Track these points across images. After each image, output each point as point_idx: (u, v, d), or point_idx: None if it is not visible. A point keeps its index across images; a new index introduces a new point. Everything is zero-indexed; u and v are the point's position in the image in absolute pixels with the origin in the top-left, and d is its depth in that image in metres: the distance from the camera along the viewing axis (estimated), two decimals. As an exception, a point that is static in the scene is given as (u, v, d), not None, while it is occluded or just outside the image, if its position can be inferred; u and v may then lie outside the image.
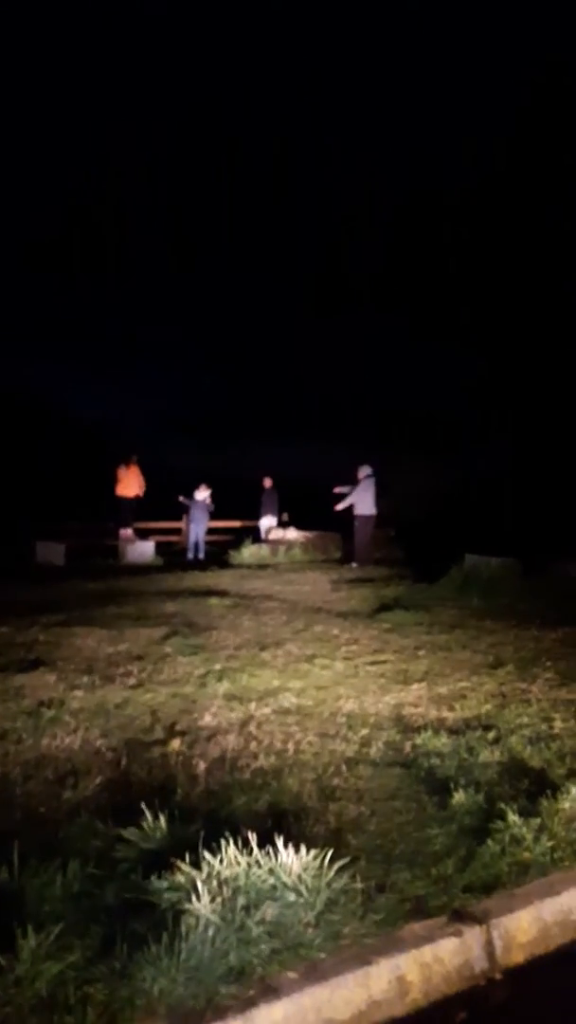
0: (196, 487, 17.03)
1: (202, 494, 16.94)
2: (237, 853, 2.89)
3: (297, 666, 6.39)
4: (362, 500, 14.64)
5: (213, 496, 17.08)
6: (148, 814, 3.33)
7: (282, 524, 18.00)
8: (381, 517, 19.22)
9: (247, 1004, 2.34)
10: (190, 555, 16.81)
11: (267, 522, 17.91)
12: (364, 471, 14.86)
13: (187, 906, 2.66)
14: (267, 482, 18.15)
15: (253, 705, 5.27)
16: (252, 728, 4.82)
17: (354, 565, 14.47)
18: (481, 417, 20.68)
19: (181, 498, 17.06)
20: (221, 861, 2.86)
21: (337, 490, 14.84)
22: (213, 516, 17.43)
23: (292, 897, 2.74)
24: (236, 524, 18.92)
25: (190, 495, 16.97)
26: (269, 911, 2.68)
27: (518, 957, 2.84)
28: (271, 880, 2.80)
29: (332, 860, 2.90)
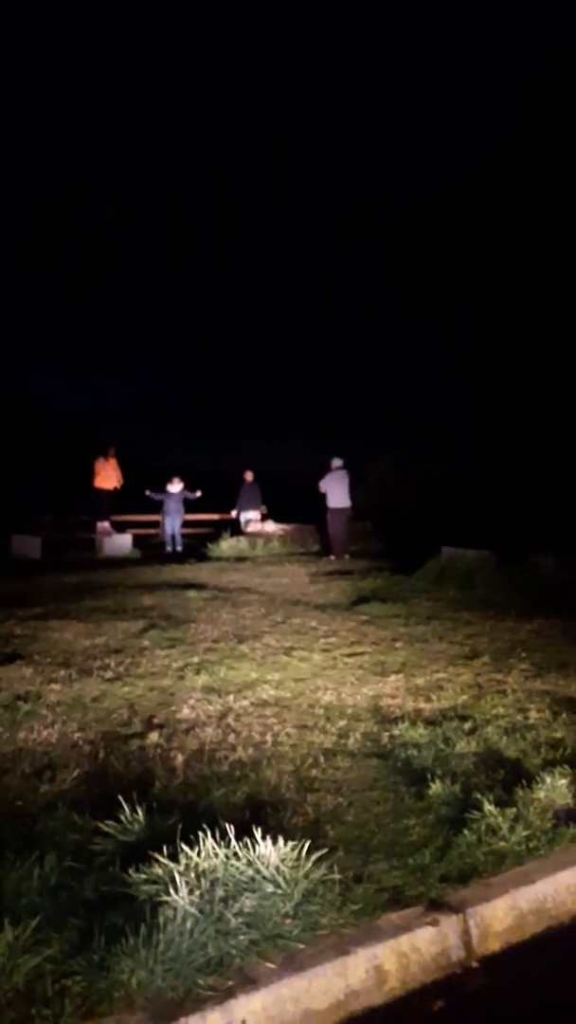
0: (168, 480, 16.94)
1: (175, 487, 16.87)
2: (215, 845, 2.89)
3: (275, 658, 6.40)
4: (334, 492, 14.65)
5: (189, 488, 17.01)
6: (126, 807, 3.32)
7: (262, 517, 18.00)
8: (357, 509, 19.34)
9: (225, 995, 2.35)
10: (168, 548, 16.77)
11: (248, 515, 17.89)
12: (336, 463, 14.88)
13: (165, 898, 2.66)
14: (248, 475, 18.14)
15: (231, 697, 5.28)
16: (230, 720, 4.83)
17: (331, 558, 14.50)
18: (459, 411, 20.78)
19: (148, 492, 16.96)
20: (199, 853, 2.86)
21: (322, 489, 14.85)
22: (195, 508, 17.37)
23: (270, 888, 2.75)
24: (215, 517, 18.89)
25: (161, 488, 16.87)
26: (247, 902, 2.68)
27: (494, 945, 2.87)
28: (249, 872, 2.80)
29: (310, 851, 2.91)
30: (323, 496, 14.77)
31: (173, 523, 16.92)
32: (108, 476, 17.39)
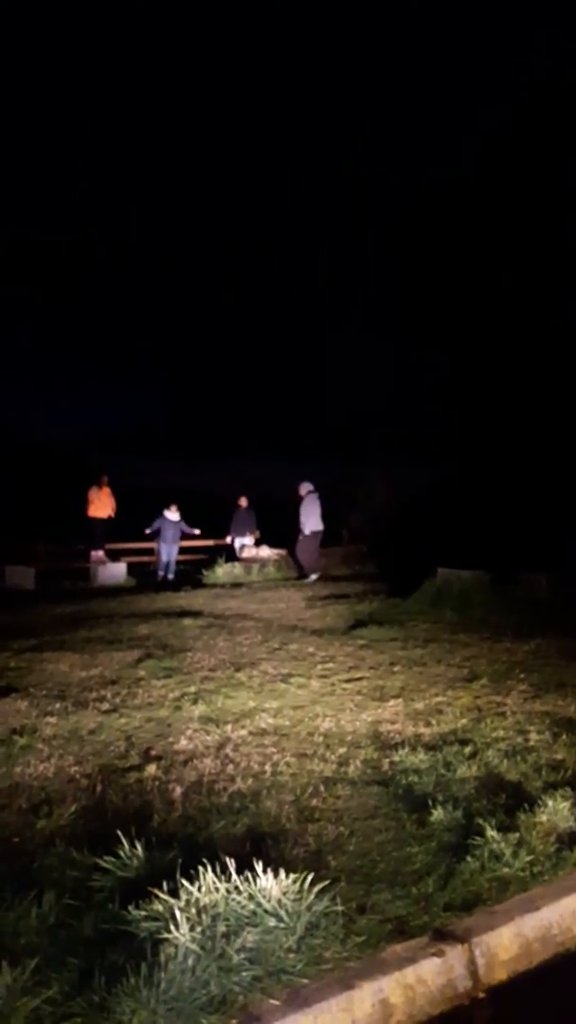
0: (166, 507, 16.95)
1: (172, 514, 16.86)
2: (215, 879, 2.86)
3: (273, 686, 6.36)
4: (310, 518, 14.75)
5: (188, 522, 17.04)
6: (124, 841, 3.29)
7: (256, 542, 17.97)
8: (352, 532, 19.33)
9: (229, 1034, 2.31)
10: (160, 575, 16.71)
11: (243, 540, 17.87)
12: (305, 487, 14.94)
13: (166, 935, 2.62)
14: (243, 501, 18.13)
15: (229, 727, 5.24)
16: (229, 751, 4.78)
17: (312, 578, 14.52)
18: (446, 428, 20.82)
19: (148, 530, 16.96)
20: (199, 888, 2.82)
21: (303, 517, 14.90)
22: (186, 536, 17.37)
23: (272, 922, 2.71)
24: (209, 543, 18.86)
25: (159, 515, 16.87)
26: (249, 937, 2.65)
27: (501, 975, 2.83)
28: (251, 906, 2.77)
29: (312, 883, 2.88)
30: (297, 521, 14.84)
31: (169, 551, 16.89)
32: (102, 505, 17.36)
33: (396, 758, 4.57)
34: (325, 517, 15.30)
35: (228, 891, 2.81)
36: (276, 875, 2.88)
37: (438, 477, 19.24)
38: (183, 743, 4.94)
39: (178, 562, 17.28)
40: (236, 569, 16.34)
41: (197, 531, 17.20)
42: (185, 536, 17.25)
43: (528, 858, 3.32)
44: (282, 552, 17.13)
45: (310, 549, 14.87)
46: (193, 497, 19.71)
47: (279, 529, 15.97)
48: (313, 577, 14.58)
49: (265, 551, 17.39)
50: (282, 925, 2.71)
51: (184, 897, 2.78)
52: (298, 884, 2.86)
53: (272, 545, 17.32)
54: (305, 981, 2.54)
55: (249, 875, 2.88)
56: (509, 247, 19.55)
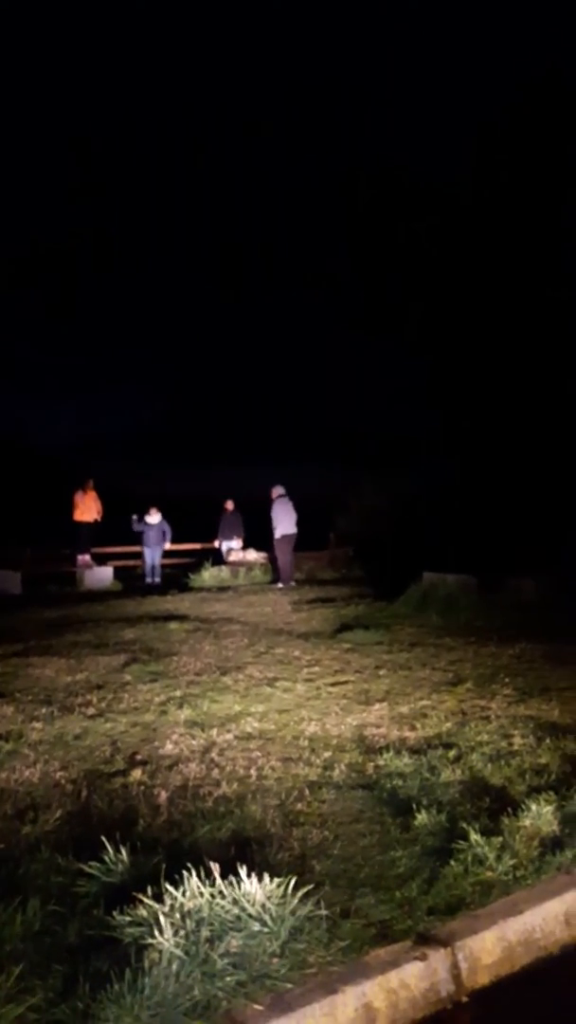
0: (147, 511, 16.90)
1: (154, 518, 16.83)
2: (200, 884, 2.86)
3: (259, 690, 6.37)
4: (280, 520, 14.68)
5: (181, 521, 17.01)
6: (109, 847, 3.29)
7: (243, 546, 17.98)
8: (341, 535, 19.36)
9: (213, 1039, 2.32)
10: (147, 580, 16.69)
11: (229, 544, 17.87)
12: (277, 491, 14.89)
13: (150, 940, 2.62)
14: (229, 505, 18.13)
15: (215, 731, 5.24)
16: (214, 755, 4.79)
17: (279, 585, 14.51)
18: (437, 431, 20.87)
19: (134, 523, 16.86)
20: (184, 893, 2.83)
21: (273, 519, 14.88)
22: (177, 538, 17.35)
23: (256, 927, 2.72)
24: (196, 547, 18.84)
25: (141, 519, 16.83)
26: (233, 942, 2.65)
27: (484, 979, 2.85)
28: (235, 910, 2.78)
29: (296, 887, 2.89)
30: (270, 525, 14.82)
31: (153, 554, 16.86)
32: (87, 508, 17.30)
33: (381, 762, 4.59)
34: (311, 520, 15.30)
35: (212, 896, 2.82)
36: (260, 879, 2.89)
37: (428, 481, 19.30)
38: (169, 747, 4.94)
39: (165, 566, 17.25)
40: (223, 573, 16.35)
41: (167, 543, 17.09)
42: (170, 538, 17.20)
43: (511, 862, 3.34)
44: (269, 556, 17.16)
45: (283, 555, 14.84)
46: (190, 502, 19.67)
47: (266, 532, 15.95)
48: (280, 585, 14.58)
49: (251, 555, 17.41)
50: (266, 930, 2.72)
51: (168, 902, 2.79)
52: (282, 888, 2.88)
53: (259, 549, 17.33)
54: (289, 986, 2.55)
55: (234, 880, 2.89)
56: (506, 247, 19.58)
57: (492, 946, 2.91)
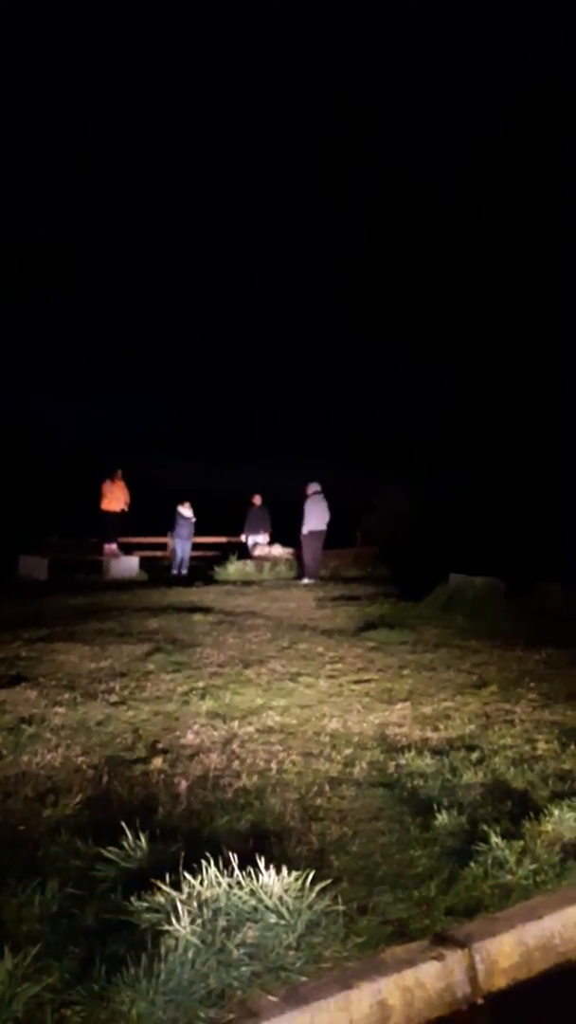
0: (180, 503, 17.01)
1: (187, 511, 16.93)
2: (218, 874, 2.86)
3: (281, 684, 6.36)
4: (311, 515, 14.77)
5: (199, 515, 17.14)
6: (129, 833, 3.30)
7: (269, 541, 18.00)
8: (367, 536, 19.31)
9: (227, 1028, 2.31)
10: (174, 571, 16.77)
11: (256, 539, 17.90)
12: (312, 487, 14.97)
13: (167, 927, 2.63)
14: (256, 499, 18.15)
15: (236, 723, 5.24)
16: (235, 747, 4.79)
17: (305, 581, 14.53)
18: (463, 435, 20.75)
19: (171, 534, 16.99)
20: (202, 882, 2.83)
21: (305, 514, 14.94)
22: (203, 531, 17.46)
23: (273, 919, 2.72)
24: (222, 540, 18.89)
25: (176, 512, 16.97)
26: (250, 933, 2.65)
27: (500, 982, 2.82)
28: (252, 901, 2.77)
29: (314, 881, 2.88)
30: (301, 520, 14.87)
31: (184, 546, 16.96)
32: (115, 498, 17.41)
33: (402, 761, 4.56)
34: (337, 519, 15.29)
35: (230, 886, 2.82)
36: (278, 872, 2.88)
37: (455, 484, 19.20)
38: (190, 737, 4.95)
39: (191, 558, 17.33)
40: (248, 567, 16.37)
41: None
42: (196, 528, 17.29)
43: (532, 867, 3.31)
44: (295, 551, 17.16)
45: (311, 551, 14.90)
46: (209, 497, 19.73)
47: (292, 529, 15.98)
48: (306, 580, 14.62)
49: (277, 550, 17.41)
50: (283, 922, 2.71)
51: (186, 890, 2.79)
52: (300, 882, 2.86)
53: (284, 544, 17.34)
54: (304, 979, 2.54)
55: (251, 871, 2.89)
56: (516, 254, 19.43)
57: (510, 950, 2.88)
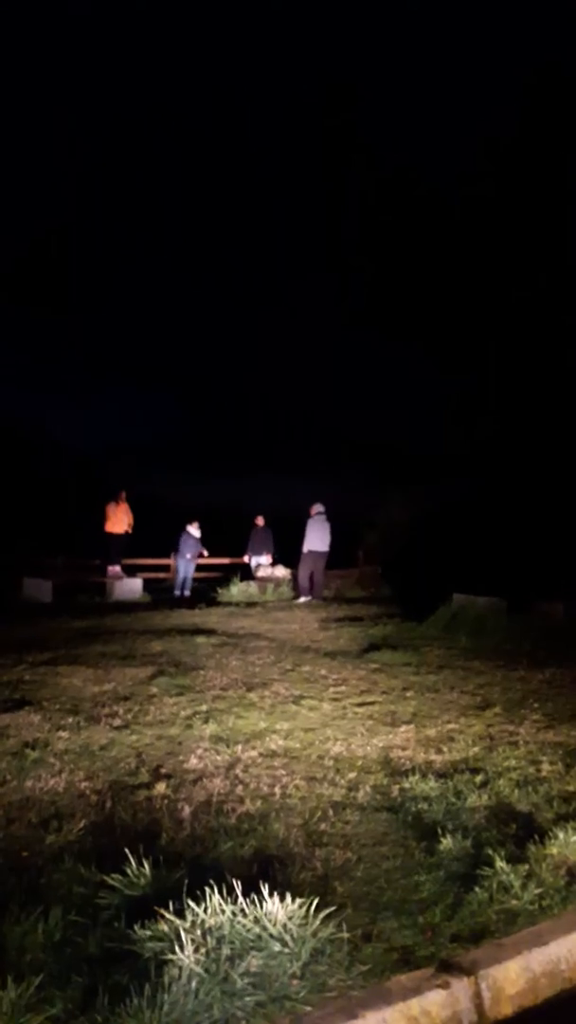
0: (189, 523, 17.05)
1: (195, 531, 16.97)
2: (222, 901, 2.85)
3: (284, 707, 6.35)
4: (312, 536, 14.90)
5: (205, 534, 17.18)
6: (132, 859, 3.29)
7: (272, 562, 18.00)
8: (368, 553, 19.30)
9: (231, 1059, 2.30)
10: (176, 592, 16.76)
11: (259, 559, 17.91)
12: (316, 508, 15.12)
13: (170, 956, 2.62)
14: (259, 520, 18.18)
15: (240, 748, 5.23)
16: (238, 771, 4.78)
17: (301, 600, 14.66)
18: (466, 449, 20.76)
19: (179, 551, 17.03)
20: (205, 909, 2.82)
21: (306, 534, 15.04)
22: (206, 551, 17.49)
23: (277, 947, 2.71)
24: (225, 561, 18.89)
25: (183, 532, 16.99)
26: (254, 962, 2.64)
27: (507, 1009, 2.80)
28: (256, 929, 2.76)
29: (318, 908, 2.87)
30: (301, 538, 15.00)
31: (187, 567, 16.97)
32: (119, 520, 17.45)
33: (406, 785, 4.55)
34: (339, 538, 15.37)
35: (234, 914, 2.81)
36: (282, 899, 2.87)
37: (455, 499, 19.18)
38: (193, 762, 4.94)
39: (193, 579, 17.33)
40: (251, 588, 16.35)
41: (205, 552, 17.29)
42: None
43: (537, 891, 3.29)
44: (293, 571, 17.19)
45: (312, 570, 14.99)
46: (211, 512, 19.76)
47: (295, 547, 16.00)
48: (302, 599, 14.72)
49: (280, 571, 17.40)
50: (287, 950, 2.70)
51: (190, 918, 2.78)
52: (304, 909, 2.86)
53: (287, 565, 17.35)
54: (308, 1008, 2.53)
55: (255, 898, 2.88)
56: (526, 255, 19.51)
57: (516, 976, 2.86)
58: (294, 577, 16.04)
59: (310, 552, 14.89)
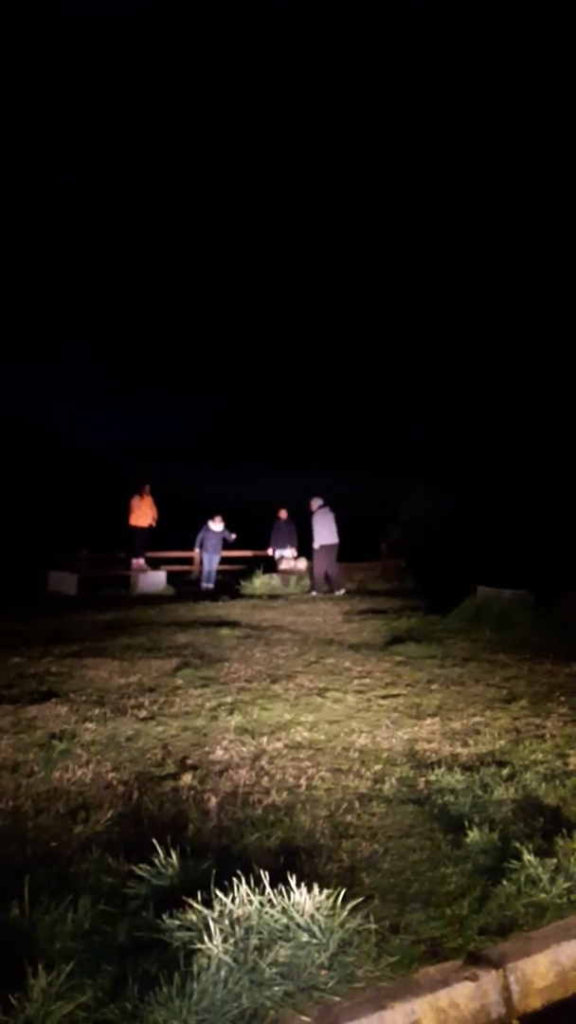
0: (212, 518, 17.13)
1: (217, 525, 17.03)
2: (249, 891, 2.86)
3: (309, 699, 6.35)
4: (320, 530, 15.08)
5: (228, 527, 17.24)
6: (160, 850, 3.31)
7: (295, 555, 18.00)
8: (393, 547, 19.26)
9: (260, 1048, 2.31)
10: (202, 585, 16.83)
11: (282, 552, 17.92)
12: (316, 503, 15.29)
13: (199, 945, 2.63)
14: (283, 513, 18.17)
15: (265, 739, 5.24)
16: (264, 763, 4.79)
17: (313, 593, 14.83)
18: (489, 443, 20.63)
19: (197, 547, 17.13)
20: (233, 900, 2.83)
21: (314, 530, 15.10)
22: (230, 545, 17.55)
23: (305, 937, 2.71)
24: (248, 554, 18.92)
25: (204, 526, 17.07)
26: (282, 952, 2.64)
27: (535, 1003, 2.79)
28: (284, 920, 2.77)
29: (345, 900, 2.87)
30: (311, 537, 15.16)
31: (211, 560, 17.03)
32: (143, 514, 17.54)
33: (432, 777, 4.54)
34: (359, 529, 15.48)
35: (261, 904, 2.82)
36: (310, 890, 2.88)
37: (480, 493, 19.08)
38: (219, 753, 4.95)
39: (217, 572, 17.39)
40: (274, 581, 16.38)
41: (234, 536, 17.39)
42: (225, 544, 17.41)
43: (566, 885, 3.27)
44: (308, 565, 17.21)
45: (326, 563, 15.10)
46: (234, 508, 19.78)
47: (308, 543, 16.06)
48: (314, 592, 14.75)
49: (303, 563, 17.40)
50: (315, 941, 2.71)
51: (218, 908, 2.79)
52: (331, 900, 2.86)
53: (309, 558, 17.35)
54: (337, 999, 2.53)
55: (283, 889, 2.88)
56: (534, 253, 19.33)
57: (545, 970, 2.84)
58: (310, 571, 16.12)
59: (322, 547, 15.07)
